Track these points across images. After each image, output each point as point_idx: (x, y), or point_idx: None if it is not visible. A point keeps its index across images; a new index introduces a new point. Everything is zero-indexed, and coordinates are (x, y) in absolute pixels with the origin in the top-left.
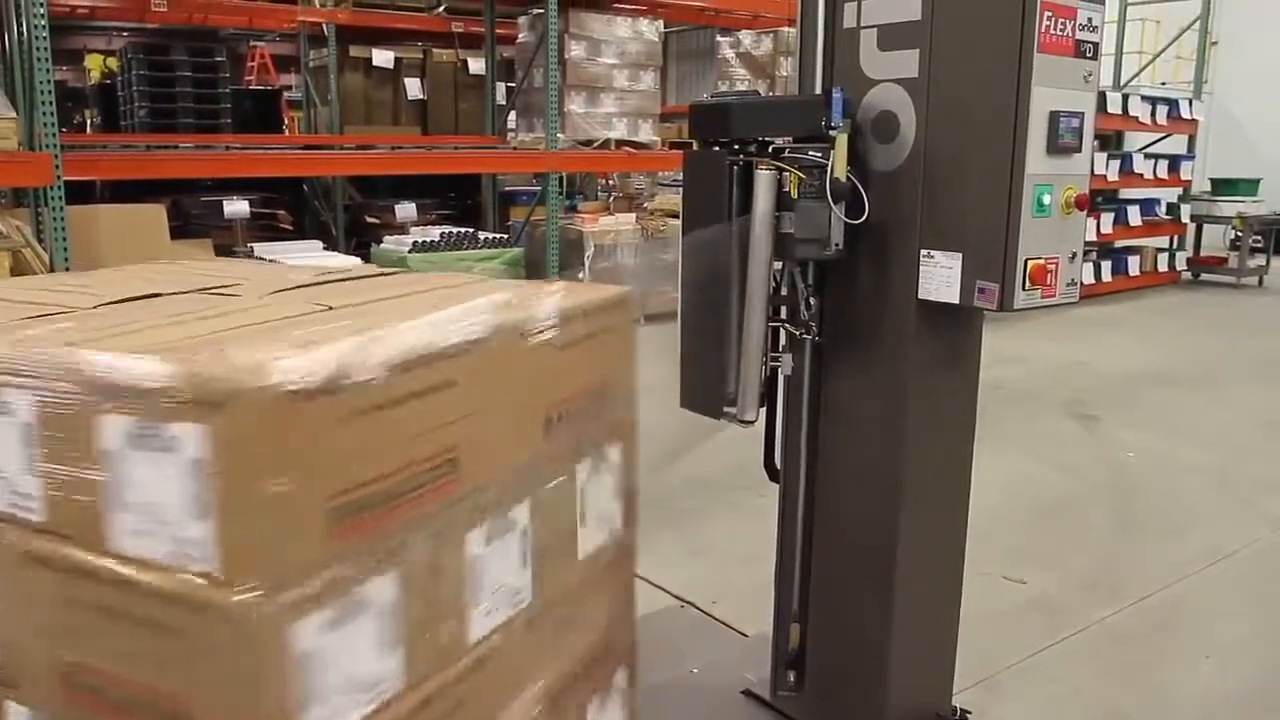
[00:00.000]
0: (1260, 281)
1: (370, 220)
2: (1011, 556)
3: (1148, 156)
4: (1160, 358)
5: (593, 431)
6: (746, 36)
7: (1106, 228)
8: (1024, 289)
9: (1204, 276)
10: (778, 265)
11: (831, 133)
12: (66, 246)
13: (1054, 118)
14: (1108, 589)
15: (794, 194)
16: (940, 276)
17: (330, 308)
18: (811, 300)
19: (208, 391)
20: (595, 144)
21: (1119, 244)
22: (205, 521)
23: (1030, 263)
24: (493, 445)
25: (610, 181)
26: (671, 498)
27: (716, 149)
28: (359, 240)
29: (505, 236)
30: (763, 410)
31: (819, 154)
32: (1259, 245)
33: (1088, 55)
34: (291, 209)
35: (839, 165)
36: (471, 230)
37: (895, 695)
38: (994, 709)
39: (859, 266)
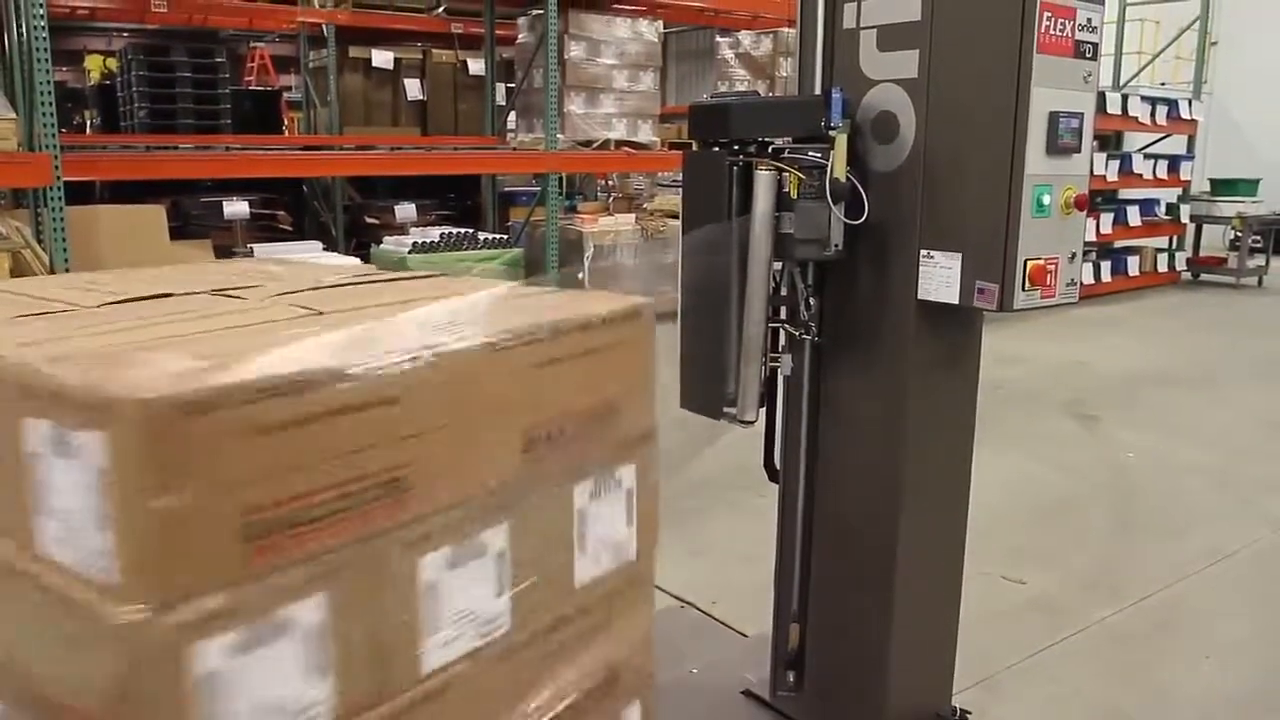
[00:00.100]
0: (1260, 281)
1: (370, 221)
2: (1011, 556)
3: (1147, 157)
4: (1160, 358)
5: (596, 452)
6: (746, 37)
7: (1106, 228)
8: (1024, 289)
9: (1203, 277)
10: (777, 265)
11: (831, 133)
12: (66, 247)
13: (1053, 118)
14: (1108, 589)
15: (793, 194)
16: (940, 277)
17: (321, 312)
18: (811, 300)
19: (99, 400)
20: (595, 144)
21: (1118, 244)
22: (106, 532)
23: (1030, 263)
24: (456, 465)
25: (610, 182)
26: (672, 498)
27: (716, 149)
28: (358, 241)
29: (505, 237)
30: (762, 410)
31: (818, 154)
32: (1258, 245)
33: (1087, 56)
34: (291, 210)
35: (838, 166)
36: (471, 231)
37: (895, 695)
38: (994, 709)
39: (859, 267)
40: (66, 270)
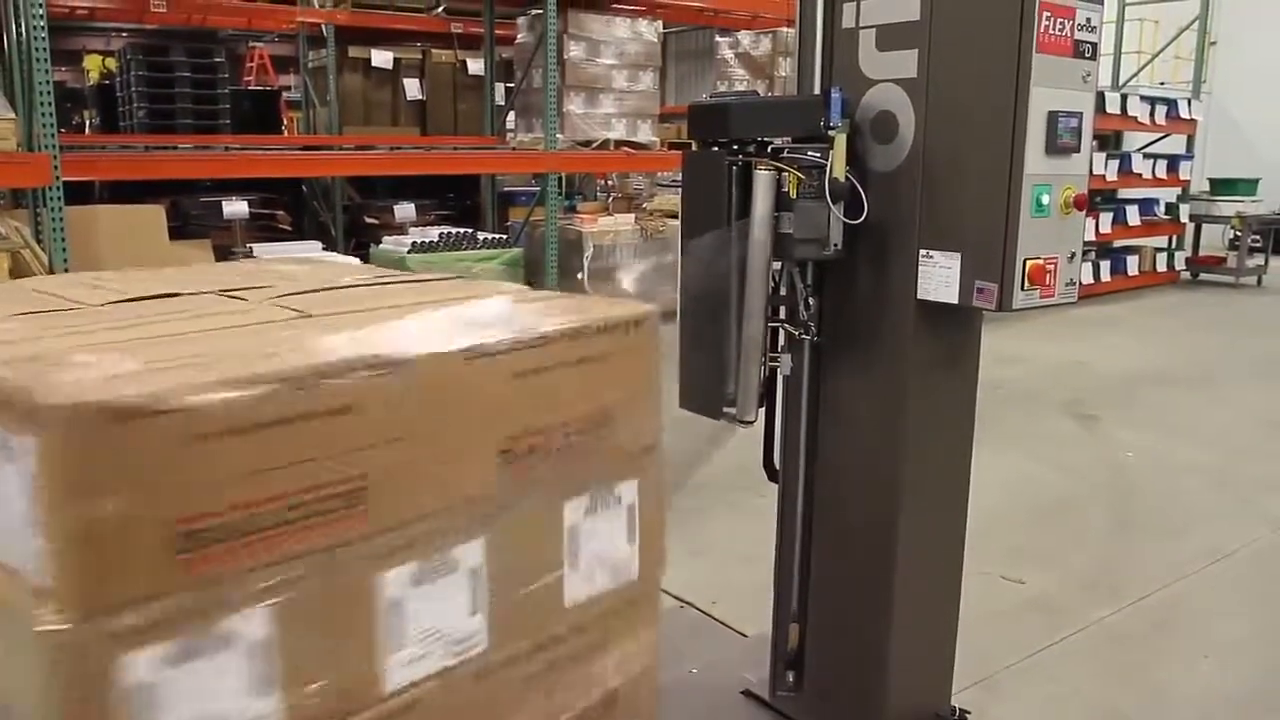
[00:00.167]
0: (1259, 281)
1: (369, 220)
2: (1010, 556)
3: (1146, 156)
4: (1159, 357)
5: (591, 466)
6: (745, 37)
7: (1105, 227)
8: (1023, 289)
9: (1203, 276)
10: (777, 265)
11: (830, 133)
12: (65, 247)
13: (1052, 118)
14: (1107, 589)
15: (793, 194)
16: (939, 276)
17: (309, 315)
18: (810, 300)
19: (30, 405)
20: (594, 144)
21: (1118, 244)
22: (38, 537)
23: (1029, 263)
24: (422, 477)
25: (609, 182)
26: (672, 498)
27: (715, 149)
28: (358, 240)
29: (504, 237)
30: (762, 410)
31: (818, 154)
32: (1258, 245)
33: (1086, 55)
34: (291, 209)
35: (838, 165)
36: (470, 231)
37: (894, 695)
38: (993, 709)
39: (858, 267)
40: (66, 270)
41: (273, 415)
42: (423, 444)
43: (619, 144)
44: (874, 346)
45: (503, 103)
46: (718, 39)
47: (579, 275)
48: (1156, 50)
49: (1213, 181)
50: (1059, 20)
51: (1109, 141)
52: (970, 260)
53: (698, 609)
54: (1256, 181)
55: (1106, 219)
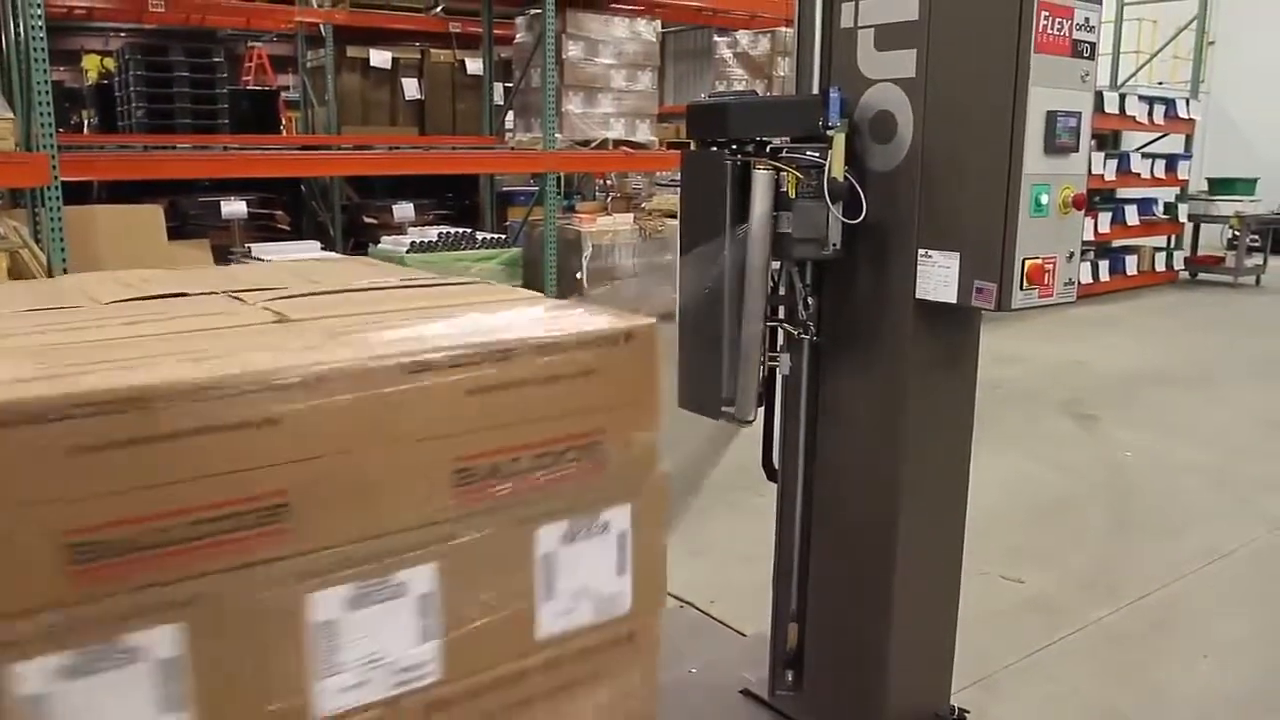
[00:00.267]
0: (1257, 280)
1: (368, 220)
2: (1009, 556)
3: (1145, 156)
4: (1158, 357)
5: (568, 491)
6: (744, 36)
7: (1104, 227)
8: (1021, 288)
9: (1201, 276)
10: (776, 265)
11: (829, 132)
12: (64, 247)
13: (1051, 117)
14: (1105, 588)
15: (792, 194)
16: (938, 276)
17: (289, 319)
18: (809, 300)
19: None
20: (593, 144)
21: (1116, 243)
22: None
23: (1028, 262)
24: (359, 495)
25: (608, 181)
26: (672, 497)
27: (714, 149)
28: (357, 240)
29: (503, 237)
30: (761, 410)
31: (816, 154)
32: (1256, 244)
33: (1085, 55)
34: (289, 209)
35: (836, 165)
36: (469, 230)
37: (894, 694)
38: (992, 708)
39: (857, 266)
40: (65, 271)
41: (189, 424)
42: (360, 459)
43: (617, 143)
44: (873, 346)
45: (501, 102)
46: (716, 38)
47: (578, 275)
48: (1155, 50)
49: (1211, 181)
50: (1057, 20)
51: (1107, 141)
52: (969, 260)
53: (697, 608)
54: (1255, 181)
55: (1105, 219)
